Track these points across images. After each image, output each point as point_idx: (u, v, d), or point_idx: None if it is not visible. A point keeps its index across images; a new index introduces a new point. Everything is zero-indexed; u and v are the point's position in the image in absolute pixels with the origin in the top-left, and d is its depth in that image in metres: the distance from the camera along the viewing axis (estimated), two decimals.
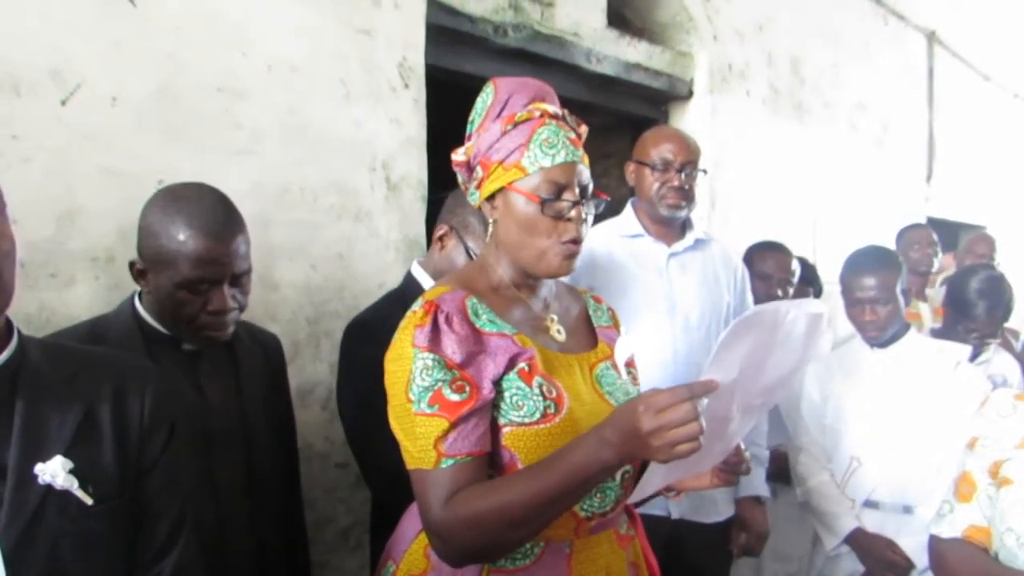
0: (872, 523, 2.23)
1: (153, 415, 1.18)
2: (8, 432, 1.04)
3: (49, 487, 1.04)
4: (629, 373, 1.41)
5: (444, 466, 1.12)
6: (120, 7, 1.69)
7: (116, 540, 1.12)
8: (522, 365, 1.20)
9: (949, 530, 1.54)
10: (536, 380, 1.19)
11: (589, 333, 1.39)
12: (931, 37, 5.66)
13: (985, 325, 2.72)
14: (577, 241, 1.23)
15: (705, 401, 1.01)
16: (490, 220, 1.29)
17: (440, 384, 1.13)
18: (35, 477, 1.03)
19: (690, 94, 3.52)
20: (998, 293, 2.73)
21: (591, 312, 1.43)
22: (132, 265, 1.42)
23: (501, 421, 1.18)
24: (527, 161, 1.21)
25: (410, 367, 1.15)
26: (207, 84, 1.83)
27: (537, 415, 1.17)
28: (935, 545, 1.57)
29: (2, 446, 1.03)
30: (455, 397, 1.13)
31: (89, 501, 1.07)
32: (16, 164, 1.53)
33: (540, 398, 1.18)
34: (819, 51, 4.40)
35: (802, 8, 4.23)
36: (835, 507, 2.28)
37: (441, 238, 1.78)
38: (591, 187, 1.27)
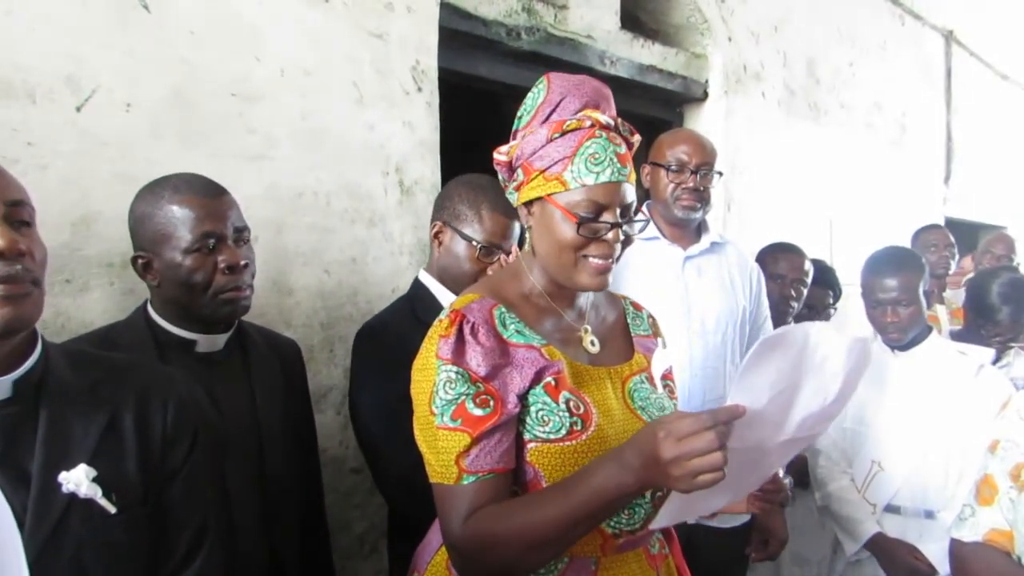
0: (893, 528, 2.21)
1: (176, 424, 1.18)
2: (32, 440, 1.03)
3: (73, 495, 1.03)
4: (666, 386, 1.36)
5: (465, 483, 1.09)
6: (134, 13, 1.69)
7: (139, 549, 1.11)
8: (549, 379, 1.16)
9: (970, 534, 1.51)
10: (563, 395, 1.16)
11: (625, 343, 1.34)
12: (949, 37, 5.62)
13: (1009, 329, 2.69)
14: (608, 257, 1.17)
15: (732, 428, 0.96)
16: (525, 225, 1.25)
17: (463, 398, 1.10)
18: (59, 486, 1.03)
19: (705, 96, 3.50)
20: (1022, 296, 2.69)
21: (629, 320, 1.38)
22: (135, 261, 1.41)
23: (526, 436, 1.14)
24: (569, 175, 1.15)
25: (434, 379, 1.12)
26: (221, 89, 1.83)
27: (563, 431, 1.14)
28: (956, 549, 1.54)
29: (26, 454, 1.03)
30: (478, 412, 1.10)
31: (112, 510, 1.06)
32: (32, 171, 1.54)
33: (567, 414, 1.15)
34: (835, 51, 4.37)
35: (818, 8, 4.20)
36: (855, 512, 2.25)
37: (436, 235, 1.78)
38: (634, 206, 1.21)
